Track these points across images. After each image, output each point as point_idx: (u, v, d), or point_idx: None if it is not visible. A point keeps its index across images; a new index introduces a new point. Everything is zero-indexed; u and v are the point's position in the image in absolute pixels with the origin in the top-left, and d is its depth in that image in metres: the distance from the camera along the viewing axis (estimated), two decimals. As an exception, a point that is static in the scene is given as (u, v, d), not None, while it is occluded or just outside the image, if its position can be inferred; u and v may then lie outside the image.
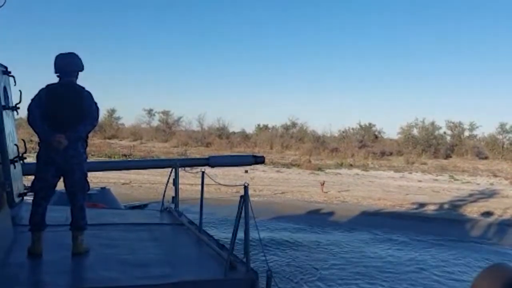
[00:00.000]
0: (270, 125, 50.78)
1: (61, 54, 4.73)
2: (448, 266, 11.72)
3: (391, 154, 43.07)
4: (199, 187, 6.25)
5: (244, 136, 47.99)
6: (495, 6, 63.57)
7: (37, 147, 4.64)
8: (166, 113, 51.15)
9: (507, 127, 45.73)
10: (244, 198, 4.21)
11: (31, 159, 6.41)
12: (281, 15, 70.80)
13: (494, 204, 21.83)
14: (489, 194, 25.16)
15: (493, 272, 1.48)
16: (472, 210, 20.48)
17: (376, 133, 47.20)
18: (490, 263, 1.69)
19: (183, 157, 28.64)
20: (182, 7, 70.32)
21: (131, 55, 72.89)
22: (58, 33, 65.42)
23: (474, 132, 47.85)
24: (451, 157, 43.58)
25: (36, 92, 4.60)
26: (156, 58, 74.06)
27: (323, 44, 71.37)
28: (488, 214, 19.88)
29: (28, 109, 4.54)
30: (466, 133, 47.80)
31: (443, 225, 17.52)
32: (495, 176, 33.24)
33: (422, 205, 21.18)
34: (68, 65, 4.69)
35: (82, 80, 4.84)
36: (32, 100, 4.57)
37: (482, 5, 63.99)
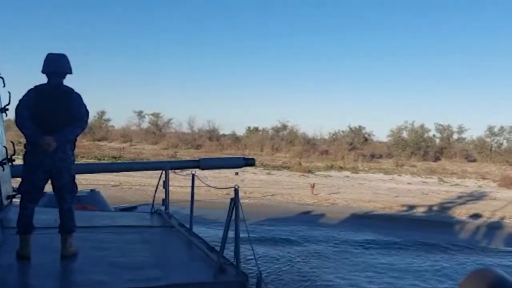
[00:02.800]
0: (260, 128, 50.89)
1: (52, 54, 4.64)
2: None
3: (380, 156, 43.31)
4: (189, 189, 6.24)
5: (235, 139, 47.99)
6: (486, 11, 64.27)
7: (25, 149, 4.59)
8: (156, 115, 51.02)
9: (496, 130, 46.25)
10: (235, 201, 4.21)
11: (20, 161, 6.36)
12: (273, 18, 71.02)
13: (482, 206, 22.03)
14: (478, 197, 25.38)
15: (479, 276, 1.49)
16: (461, 212, 20.64)
17: (366, 135, 47.43)
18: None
19: (173, 159, 28.60)
20: (173, 8, 70.24)
21: (121, 56, 72.71)
22: (47, 34, 64.99)
23: (463, 135, 48.38)
24: (440, 159, 43.90)
25: (24, 93, 4.54)
26: (146, 59, 73.88)
27: (314, 47, 71.75)
28: (476, 216, 20.05)
29: (16, 110, 4.46)
30: (455, 136, 48.27)
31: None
32: (484, 178, 33.55)
33: (411, 207, 21.31)
34: (59, 66, 4.61)
35: (72, 81, 4.80)
36: (20, 101, 4.48)
37: (473, 9, 64.67)
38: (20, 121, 4.42)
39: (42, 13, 66.68)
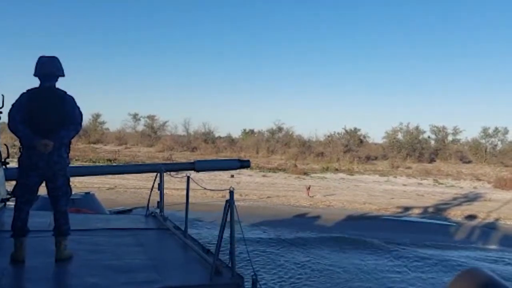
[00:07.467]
0: (256, 130, 50.95)
1: (43, 57, 4.62)
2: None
3: (376, 158, 43.40)
4: (185, 192, 6.22)
5: (230, 141, 48.01)
6: (482, 14, 64.59)
7: (20, 152, 4.57)
8: (151, 117, 50.96)
9: (490, 131, 46.42)
10: (230, 203, 4.20)
11: (13, 164, 6.33)
12: (269, 21, 71.11)
13: (477, 208, 22.11)
14: (473, 198, 25.47)
15: (468, 276, 1.50)
16: (456, 214, 20.70)
17: (361, 137, 47.54)
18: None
19: (168, 161, 28.57)
20: (170, 12, 70.22)
21: (116, 60, 72.60)
22: (41, 38, 64.79)
23: (458, 137, 48.61)
24: (435, 161, 44.05)
25: (17, 96, 4.52)
26: (141, 62, 73.83)
27: (309, 50, 71.90)
28: (471, 217, 20.11)
29: (9, 114, 4.44)
30: (450, 138, 48.46)
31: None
32: (478, 180, 33.66)
33: (407, 209, 21.35)
34: (50, 69, 4.59)
35: (67, 84, 4.77)
36: (13, 105, 4.46)
37: (469, 11, 64.97)
38: (12, 124, 4.41)
39: (39, 16, 66.47)
